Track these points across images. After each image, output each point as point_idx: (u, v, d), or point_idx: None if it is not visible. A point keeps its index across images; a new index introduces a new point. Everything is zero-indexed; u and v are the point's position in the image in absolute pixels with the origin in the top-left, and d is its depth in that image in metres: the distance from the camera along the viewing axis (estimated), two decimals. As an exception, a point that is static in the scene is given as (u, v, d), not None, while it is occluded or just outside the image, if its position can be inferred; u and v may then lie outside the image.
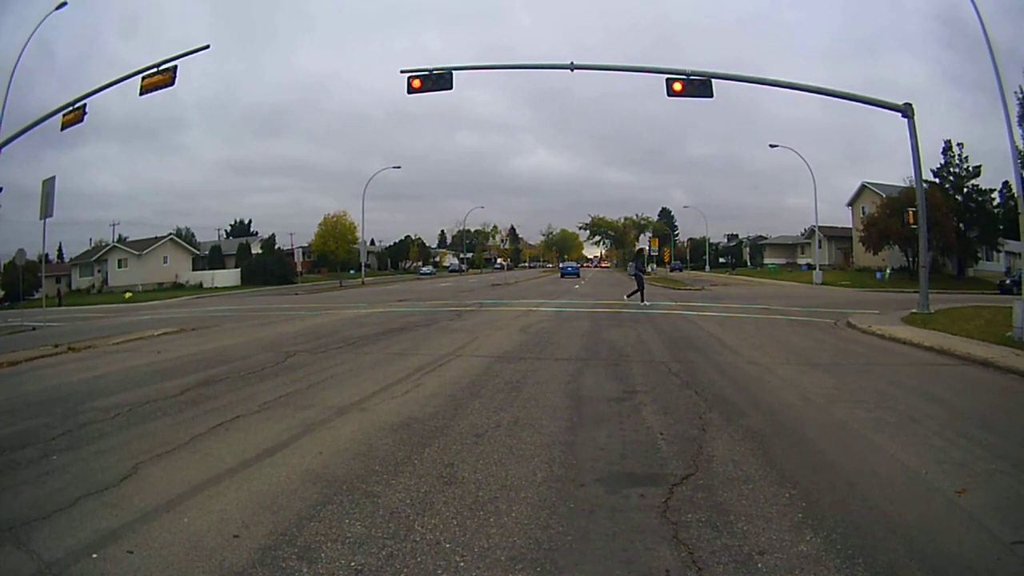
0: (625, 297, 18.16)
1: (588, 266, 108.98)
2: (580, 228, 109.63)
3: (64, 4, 17.89)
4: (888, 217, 37.05)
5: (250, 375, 7.99)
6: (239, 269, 53.72)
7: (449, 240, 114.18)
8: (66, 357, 10.61)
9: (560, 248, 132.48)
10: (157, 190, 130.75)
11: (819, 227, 46.84)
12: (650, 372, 7.93)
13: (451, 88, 17.51)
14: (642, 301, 17.03)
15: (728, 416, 5.62)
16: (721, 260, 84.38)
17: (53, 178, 17.39)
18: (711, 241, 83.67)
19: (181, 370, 8.53)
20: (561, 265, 75.28)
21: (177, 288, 48.65)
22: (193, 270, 54.53)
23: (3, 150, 17.44)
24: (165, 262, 52.64)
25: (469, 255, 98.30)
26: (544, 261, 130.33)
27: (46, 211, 17.13)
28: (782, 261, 68.67)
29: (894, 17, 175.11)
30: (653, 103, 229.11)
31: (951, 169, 39.14)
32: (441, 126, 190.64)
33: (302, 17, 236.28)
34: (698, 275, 58.07)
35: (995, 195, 38.22)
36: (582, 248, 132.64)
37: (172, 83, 16.80)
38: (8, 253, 33.91)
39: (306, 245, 59.46)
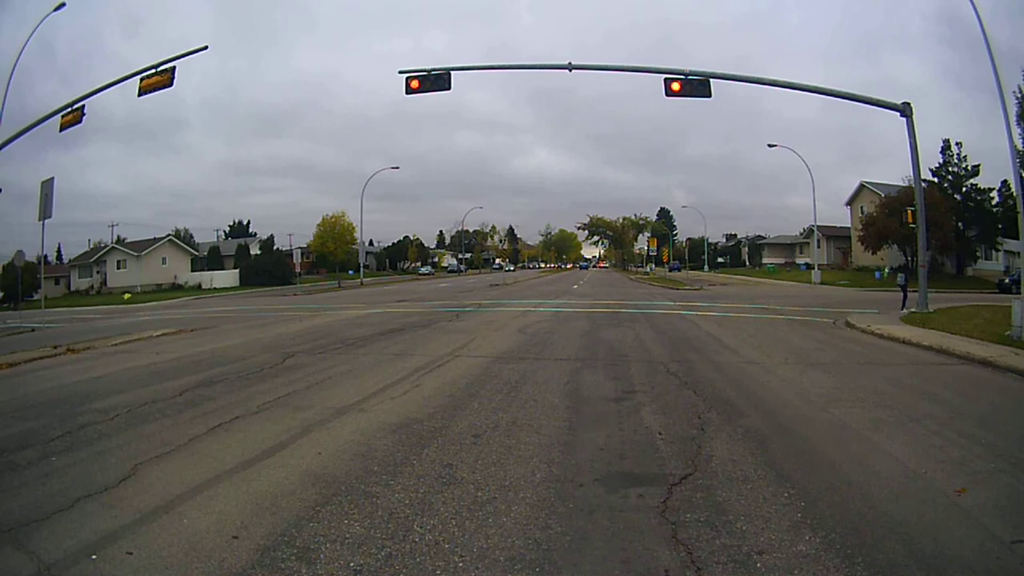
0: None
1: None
2: (579, 228, 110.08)
3: (63, 5, 17.85)
4: (887, 216, 37.02)
5: (249, 376, 7.99)
6: (238, 270, 53.55)
7: (448, 241, 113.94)
8: (65, 358, 10.60)
9: (559, 248, 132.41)
10: (157, 191, 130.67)
11: (818, 227, 46.79)
12: (649, 372, 7.93)
13: (449, 88, 17.52)
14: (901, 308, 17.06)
15: (727, 416, 5.62)
16: (719, 260, 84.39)
17: (52, 179, 17.41)
18: (710, 241, 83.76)
19: (180, 371, 8.52)
20: (579, 264, 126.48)
21: (176, 289, 48.54)
22: (192, 271, 54.32)
23: (2, 150, 17.40)
24: (164, 263, 52.49)
25: (468, 256, 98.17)
26: (543, 261, 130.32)
27: (44, 212, 17.14)
28: (781, 261, 68.64)
29: (894, 17, 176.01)
30: (654, 103, 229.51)
31: (950, 168, 39.16)
32: (441, 126, 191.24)
33: (303, 17, 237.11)
34: (697, 275, 58.07)
35: (994, 194, 38.21)
36: (580, 248, 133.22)
37: (170, 84, 16.80)
38: (7, 255, 33.88)
39: (305, 246, 59.32)
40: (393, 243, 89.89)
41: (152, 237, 56.03)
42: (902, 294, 18.52)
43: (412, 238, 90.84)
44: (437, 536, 3.20)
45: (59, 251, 76.60)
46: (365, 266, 57.57)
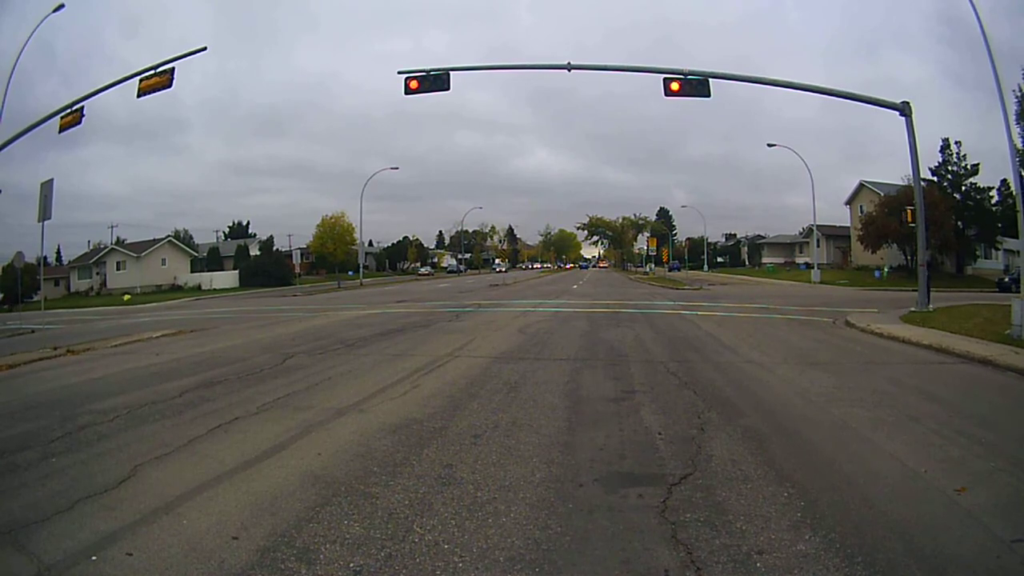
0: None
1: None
2: (578, 228, 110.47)
3: (62, 6, 17.86)
4: (886, 216, 37.02)
5: (249, 377, 7.99)
6: (237, 271, 53.50)
7: (447, 241, 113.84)
8: (65, 359, 10.60)
9: (558, 248, 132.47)
10: (157, 191, 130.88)
11: (817, 226, 46.76)
12: (648, 372, 7.92)
13: (448, 89, 17.53)
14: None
15: (727, 416, 5.62)
16: (719, 260, 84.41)
17: (51, 181, 17.41)
18: (709, 240, 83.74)
19: (180, 372, 8.52)
20: (579, 264, 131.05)
21: (175, 290, 48.52)
22: (192, 272, 54.25)
23: (2, 151, 17.38)
24: (164, 264, 52.47)
25: (467, 256, 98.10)
26: (542, 261, 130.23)
27: (44, 214, 17.15)
28: (780, 260, 68.62)
29: (894, 17, 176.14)
30: (654, 103, 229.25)
31: (949, 167, 39.21)
32: (441, 126, 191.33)
33: (303, 17, 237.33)
34: (696, 275, 58.06)
35: (993, 193, 38.27)
36: (580, 248, 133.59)
37: (169, 85, 16.81)
38: (7, 256, 33.87)
39: (304, 246, 59.38)
40: (393, 243, 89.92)
41: (152, 238, 56.09)
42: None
43: (412, 238, 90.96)
44: (437, 536, 3.20)
45: (59, 252, 76.64)
46: (365, 266, 57.56)
